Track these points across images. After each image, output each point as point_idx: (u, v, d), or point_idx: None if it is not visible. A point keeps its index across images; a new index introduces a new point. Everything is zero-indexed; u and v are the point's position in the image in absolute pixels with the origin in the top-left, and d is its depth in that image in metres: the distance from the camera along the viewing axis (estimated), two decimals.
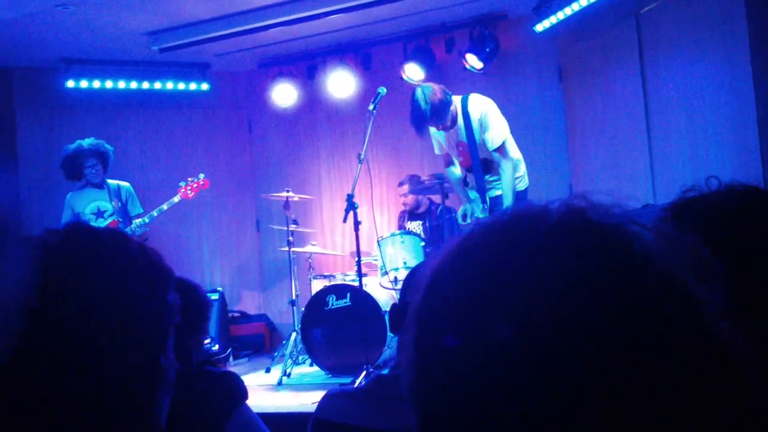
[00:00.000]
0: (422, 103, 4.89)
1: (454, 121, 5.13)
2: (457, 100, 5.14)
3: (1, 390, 0.87)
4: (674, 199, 1.25)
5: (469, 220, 5.13)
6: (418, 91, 4.97)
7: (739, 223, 1.12)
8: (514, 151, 5.22)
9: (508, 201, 5.00)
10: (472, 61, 6.83)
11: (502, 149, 5.05)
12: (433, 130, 5.29)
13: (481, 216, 5.04)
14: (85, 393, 0.90)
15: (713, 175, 1.24)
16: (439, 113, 4.92)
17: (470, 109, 5.08)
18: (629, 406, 0.55)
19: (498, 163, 5.07)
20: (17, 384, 0.88)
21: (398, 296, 2.10)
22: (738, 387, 0.58)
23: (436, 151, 5.52)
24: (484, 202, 5.13)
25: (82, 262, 0.95)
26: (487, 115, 5.04)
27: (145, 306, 0.97)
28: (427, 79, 6.55)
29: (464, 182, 5.45)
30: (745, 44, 4.92)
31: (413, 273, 2.03)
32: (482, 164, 5.17)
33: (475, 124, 5.06)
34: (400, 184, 7.00)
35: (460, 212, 5.27)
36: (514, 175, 5.12)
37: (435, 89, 4.94)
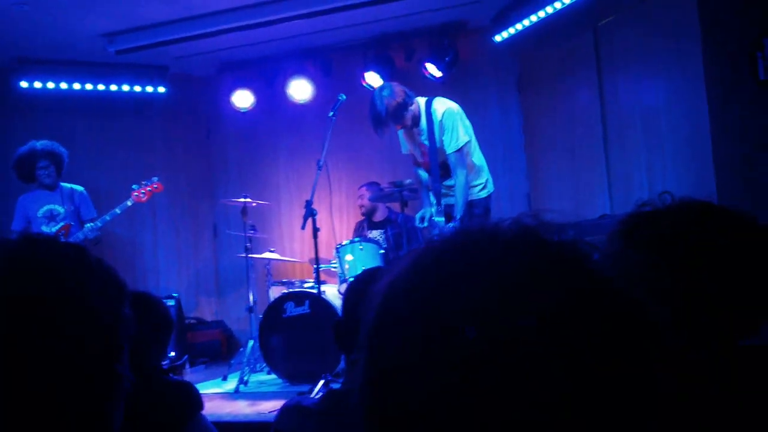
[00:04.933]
0: (378, 103, 4.97)
1: (417, 121, 5.16)
2: (422, 101, 5.18)
3: None
4: (629, 213, 1.28)
5: (426, 223, 5.15)
6: (376, 92, 5.07)
7: (692, 237, 1.15)
8: (477, 157, 5.26)
9: (459, 210, 5.03)
10: (432, 70, 6.88)
11: (460, 153, 5.08)
12: (399, 129, 5.33)
13: (436, 219, 5.07)
14: (38, 400, 0.89)
15: (666, 191, 1.26)
16: (395, 114, 4.98)
17: (434, 111, 5.12)
18: (585, 416, 0.56)
19: (453, 168, 5.10)
20: None
21: (341, 311, 2.07)
22: (686, 396, 0.60)
23: (403, 151, 5.54)
24: (438, 204, 5.16)
25: (40, 273, 0.94)
26: (447, 119, 5.08)
27: (101, 319, 0.97)
28: None
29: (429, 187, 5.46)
30: (698, 58, 5.04)
31: (354, 287, 2.01)
32: (440, 167, 5.20)
33: (436, 127, 5.10)
34: (360, 188, 6.99)
35: (418, 215, 5.29)
36: (470, 183, 5.15)
37: (394, 90, 5.01)
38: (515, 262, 0.61)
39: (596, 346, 0.58)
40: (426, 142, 5.18)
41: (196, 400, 2.23)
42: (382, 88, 5.09)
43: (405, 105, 5.00)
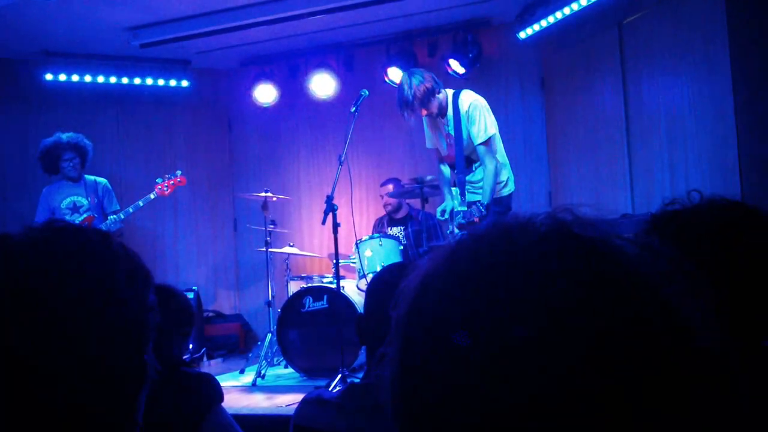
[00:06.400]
0: (406, 87, 4.95)
1: (444, 111, 5.15)
2: (449, 92, 5.17)
3: None
4: (656, 211, 1.26)
5: (447, 216, 5.14)
6: (405, 76, 5.05)
7: (724, 237, 1.13)
8: (499, 153, 5.24)
9: (486, 198, 5.00)
10: (455, 66, 6.85)
11: (488, 145, 5.06)
12: (424, 121, 5.32)
13: (458, 208, 5.04)
14: (71, 390, 0.90)
15: (695, 189, 1.25)
16: (423, 99, 4.96)
17: (460, 102, 5.10)
18: (620, 414, 0.56)
19: (482, 159, 5.08)
20: (8, 381, 0.87)
21: (363, 306, 2.07)
22: (723, 396, 0.59)
23: (428, 145, 5.51)
24: (462, 195, 5.13)
25: (67, 260, 0.94)
26: (475, 109, 5.07)
27: (129, 305, 0.97)
28: None
29: (453, 182, 5.42)
30: (725, 57, 4.97)
31: (379, 282, 2.00)
32: (465, 161, 5.19)
33: (463, 118, 5.08)
34: (383, 184, 6.94)
35: (439, 209, 5.27)
36: (496, 177, 5.12)
37: (424, 76, 5.00)
38: (549, 257, 0.61)
39: (628, 342, 0.57)
40: (452, 132, 5.17)
41: (217, 392, 2.25)
42: (411, 72, 5.07)
43: (433, 91, 5.00)
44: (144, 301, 1.00)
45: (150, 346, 1.02)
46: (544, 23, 6.41)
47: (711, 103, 5.20)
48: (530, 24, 6.54)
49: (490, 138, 5.06)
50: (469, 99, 5.12)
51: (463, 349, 0.58)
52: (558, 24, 6.32)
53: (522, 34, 6.68)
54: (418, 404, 0.61)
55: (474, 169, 5.22)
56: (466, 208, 4.99)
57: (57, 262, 0.93)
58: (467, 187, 5.20)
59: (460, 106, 5.10)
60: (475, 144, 5.06)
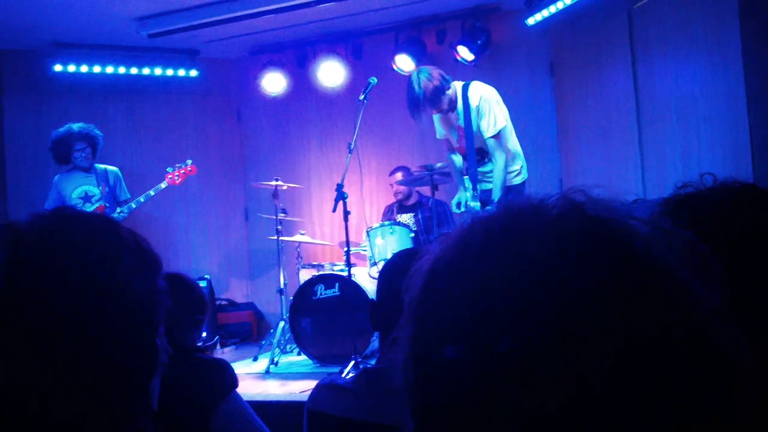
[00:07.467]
0: (416, 87, 4.90)
1: (454, 105, 5.12)
2: (458, 85, 5.14)
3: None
4: (669, 194, 1.25)
5: (462, 209, 5.13)
6: (414, 75, 4.99)
7: (738, 220, 1.12)
8: (513, 143, 5.22)
9: (496, 193, 4.99)
10: (464, 53, 6.82)
11: (498, 138, 5.04)
12: (435, 116, 5.30)
13: (472, 204, 5.04)
14: (82, 376, 0.90)
15: (708, 172, 1.24)
16: (432, 98, 4.92)
17: (470, 95, 5.08)
18: (633, 411, 0.55)
19: (492, 152, 5.07)
20: (18, 370, 0.88)
21: (376, 291, 2.07)
22: (734, 383, 0.58)
23: (438, 136, 5.50)
24: (474, 189, 5.12)
25: (74, 246, 0.95)
26: (485, 102, 5.04)
27: (138, 290, 0.97)
28: None
29: (464, 171, 5.41)
30: (736, 41, 4.94)
31: (392, 266, 2.01)
32: (477, 153, 5.17)
33: (473, 111, 5.06)
34: (392, 173, 6.93)
35: (454, 200, 5.27)
36: (507, 168, 5.11)
37: (432, 74, 4.95)
38: (562, 240, 0.60)
39: (646, 334, 0.56)
40: (462, 125, 5.15)
41: (232, 378, 2.27)
42: (419, 71, 5.00)
43: (442, 89, 4.95)
44: (153, 285, 1.00)
45: (161, 331, 1.02)
46: (553, 9, 6.36)
47: (723, 88, 5.17)
48: (539, 10, 6.49)
49: (500, 131, 5.04)
50: (479, 92, 5.09)
51: (456, 361, 0.58)
52: (567, 10, 6.27)
53: (531, 20, 6.63)
54: (430, 385, 0.62)
55: (486, 160, 5.21)
56: (478, 204, 4.99)
57: (64, 248, 0.93)
58: (479, 176, 5.19)
59: (469, 100, 5.07)
60: (485, 138, 5.04)
